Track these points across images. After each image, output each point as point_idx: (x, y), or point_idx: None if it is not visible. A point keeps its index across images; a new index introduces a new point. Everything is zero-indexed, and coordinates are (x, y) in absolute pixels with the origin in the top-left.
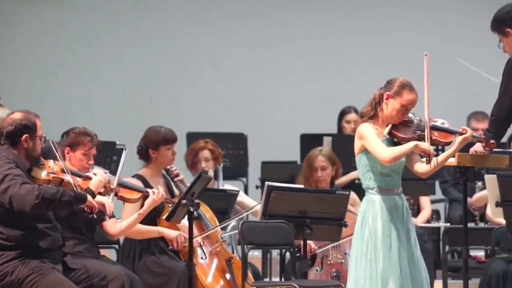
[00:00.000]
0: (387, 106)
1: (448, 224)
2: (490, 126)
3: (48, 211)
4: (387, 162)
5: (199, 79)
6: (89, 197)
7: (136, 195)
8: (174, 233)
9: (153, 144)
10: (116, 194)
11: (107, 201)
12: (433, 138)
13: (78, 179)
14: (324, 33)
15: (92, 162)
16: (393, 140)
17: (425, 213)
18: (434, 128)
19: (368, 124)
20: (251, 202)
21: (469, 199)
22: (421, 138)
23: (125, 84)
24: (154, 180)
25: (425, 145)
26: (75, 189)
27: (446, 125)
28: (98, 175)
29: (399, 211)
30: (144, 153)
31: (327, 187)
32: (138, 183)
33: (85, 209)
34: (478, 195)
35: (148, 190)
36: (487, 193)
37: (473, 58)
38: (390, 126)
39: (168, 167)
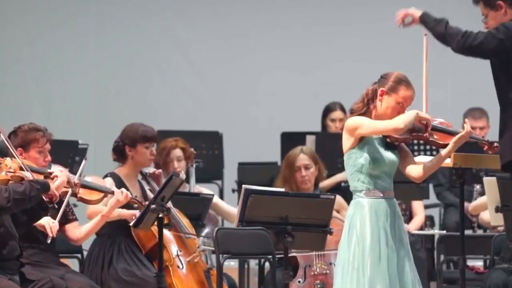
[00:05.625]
0: (381, 103)
1: (444, 232)
2: None
3: (17, 211)
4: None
5: (169, 72)
6: (52, 186)
7: (97, 196)
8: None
9: (130, 140)
10: (75, 195)
11: (48, 221)
12: (431, 139)
13: (39, 176)
14: (307, 21)
15: (49, 158)
16: (385, 141)
17: (418, 219)
18: (432, 128)
19: (358, 117)
20: (226, 206)
21: (466, 204)
22: (416, 139)
23: (88, 78)
24: (130, 181)
25: (425, 114)
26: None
27: (445, 126)
28: (61, 176)
29: (390, 216)
30: (120, 150)
31: (311, 188)
32: (103, 183)
33: (45, 198)
34: (476, 203)
35: (113, 189)
36: (486, 199)
37: None
38: None
39: (146, 171)
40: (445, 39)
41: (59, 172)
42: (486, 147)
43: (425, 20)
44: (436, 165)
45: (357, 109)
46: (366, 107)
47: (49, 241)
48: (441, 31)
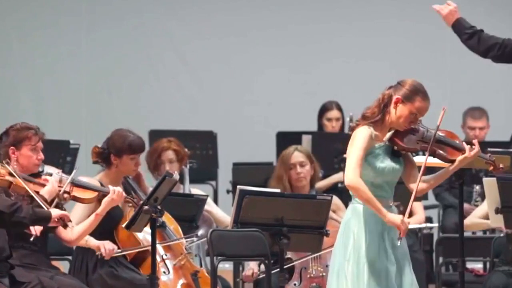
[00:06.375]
0: (395, 111)
1: (436, 225)
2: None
3: None
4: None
5: (163, 71)
6: (54, 212)
7: (91, 195)
8: (98, 242)
9: (116, 150)
10: (68, 194)
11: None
12: (437, 153)
13: (30, 184)
14: (303, 20)
15: (42, 156)
16: (392, 148)
17: (418, 217)
18: (441, 142)
19: (366, 131)
20: (221, 213)
21: (465, 206)
22: (423, 150)
23: (80, 77)
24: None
25: (396, 220)
26: (30, 193)
27: (449, 139)
28: (51, 182)
29: (388, 224)
30: (105, 156)
31: (307, 188)
32: (95, 182)
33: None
34: (471, 221)
35: (109, 187)
36: (481, 220)
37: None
38: (392, 132)
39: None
40: (479, 52)
41: (48, 183)
42: (492, 168)
43: (457, 31)
44: (439, 180)
45: (372, 115)
46: (381, 114)
47: (31, 239)
48: (475, 45)
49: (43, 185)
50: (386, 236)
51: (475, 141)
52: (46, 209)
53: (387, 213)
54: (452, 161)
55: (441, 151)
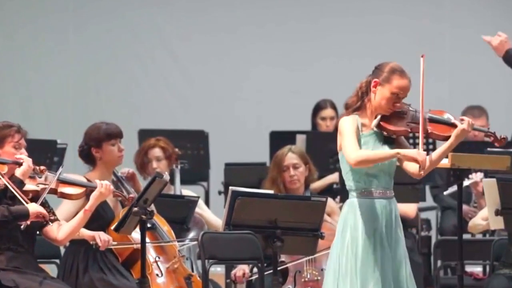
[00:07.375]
0: (375, 95)
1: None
2: None
3: None
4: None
5: (152, 68)
6: (31, 208)
7: (78, 190)
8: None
9: (95, 141)
10: (55, 192)
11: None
12: (430, 131)
13: (3, 166)
14: (297, 15)
15: (25, 154)
16: (382, 134)
17: (407, 208)
18: (430, 120)
19: (350, 118)
20: (213, 216)
21: (464, 207)
22: (415, 132)
23: (68, 74)
24: None
25: (412, 151)
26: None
27: (446, 116)
28: (26, 162)
29: (386, 217)
30: (86, 154)
31: (301, 189)
32: (82, 179)
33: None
34: (476, 222)
35: (96, 182)
36: (485, 222)
37: (468, 43)
38: (379, 117)
39: (119, 174)
40: None
41: (23, 162)
42: (492, 139)
43: (508, 61)
44: (437, 160)
45: (352, 103)
46: (360, 101)
47: (22, 228)
48: None
49: (19, 165)
50: (383, 230)
51: (462, 117)
52: (22, 200)
53: (397, 150)
54: (448, 138)
55: (434, 130)
